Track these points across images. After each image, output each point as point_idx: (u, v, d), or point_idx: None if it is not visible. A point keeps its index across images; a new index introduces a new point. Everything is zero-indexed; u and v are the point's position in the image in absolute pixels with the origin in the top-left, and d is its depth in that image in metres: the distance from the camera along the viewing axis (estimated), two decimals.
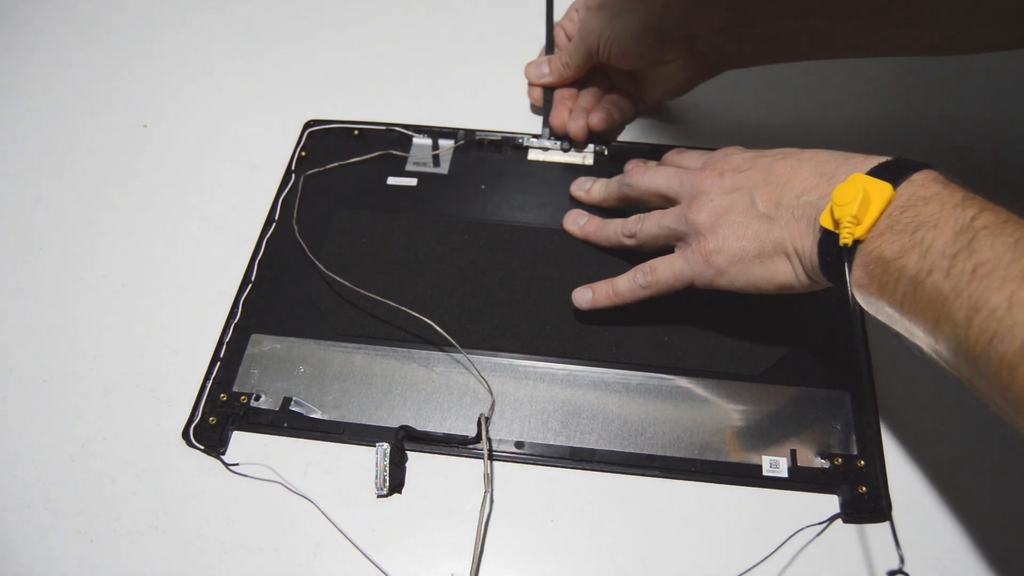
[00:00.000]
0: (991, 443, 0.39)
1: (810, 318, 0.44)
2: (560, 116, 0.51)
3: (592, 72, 0.51)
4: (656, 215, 0.42)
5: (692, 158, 0.45)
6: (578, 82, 0.52)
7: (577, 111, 0.51)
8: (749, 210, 0.37)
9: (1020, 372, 0.26)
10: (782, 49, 0.47)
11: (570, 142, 0.52)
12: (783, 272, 0.36)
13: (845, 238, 0.32)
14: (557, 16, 0.52)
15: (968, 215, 0.30)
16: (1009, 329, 0.27)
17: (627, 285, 0.42)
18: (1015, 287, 0.27)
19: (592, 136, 0.51)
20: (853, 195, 0.32)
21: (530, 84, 0.53)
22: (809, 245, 0.34)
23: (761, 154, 0.40)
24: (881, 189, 0.32)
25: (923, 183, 0.32)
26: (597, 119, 0.50)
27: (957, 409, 0.40)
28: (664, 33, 0.46)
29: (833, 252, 0.33)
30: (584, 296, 0.43)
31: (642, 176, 0.44)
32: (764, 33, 0.46)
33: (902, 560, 0.31)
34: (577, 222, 0.47)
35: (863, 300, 0.33)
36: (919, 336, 0.31)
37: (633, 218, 0.44)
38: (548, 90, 0.52)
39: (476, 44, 0.59)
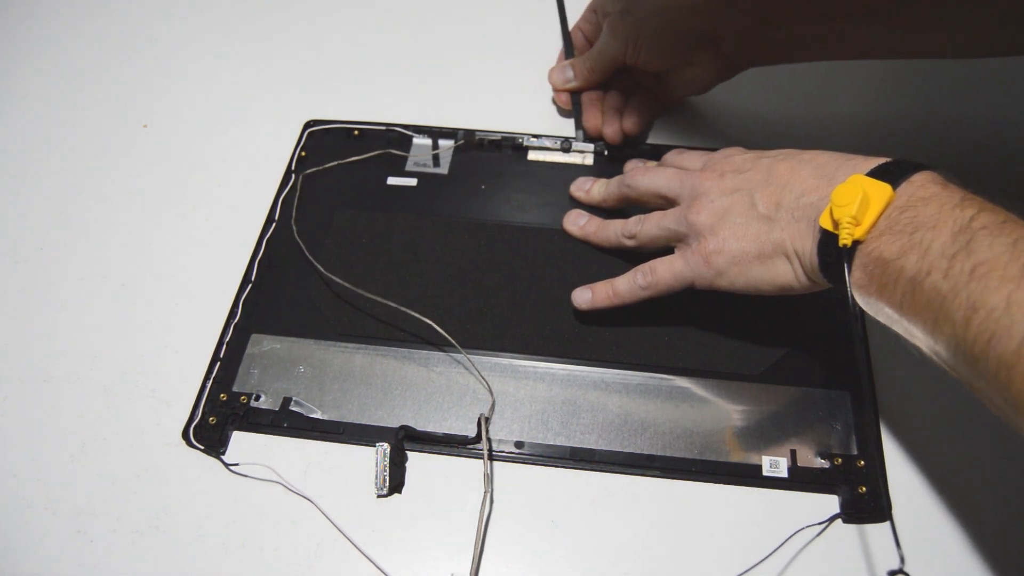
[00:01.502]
0: (991, 443, 0.39)
1: (810, 318, 0.44)
2: (593, 119, 0.51)
3: (616, 71, 0.51)
4: (656, 216, 0.42)
5: (692, 159, 0.45)
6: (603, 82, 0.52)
7: (609, 114, 0.51)
8: (749, 211, 0.38)
9: (1018, 372, 0.26)
10: (803, 50, 0.47)
11: (605, 145, 0.52)
12: (783, 273, 0.37)
13: (844, 239, 0.32)
14: (571, 17, 0.52)
15: (967, 215, 0.30)
16: (1007, 330, 0.27)
17: (627, 286, 0.42)
18: (1013, 287, 0.27)
19: (626, 139, 0.51)
20: (852, 196, 0.32)
21: (555, 89, 0.53)
22: (809, 246, 0.35)
23: (761, 155, 0.40)
24: (880, 190, 0.32)
25: (922, 184, 0.32)
26: (631, 123, 0.50)
27: (957, 409, 0.40)
28: (690, 37, 0.46)
29: (832, 253, 0.33)
30: (583, 297, 0.43)
31: (642, 177, 0.44)
32: (787, 35, 0.46)
33: (903, 560, 0.31)
34: (577, 222, 0.47)
35: (863, 301, 0.33)
36: (918, 337, 0.31)
37: (633, 219, 0.44)
38: (576, 93, 0.52)
39: (476, 44, 0.59)
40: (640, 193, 0.44)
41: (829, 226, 0.33)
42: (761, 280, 0.37)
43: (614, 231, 0.45)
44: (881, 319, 0.33)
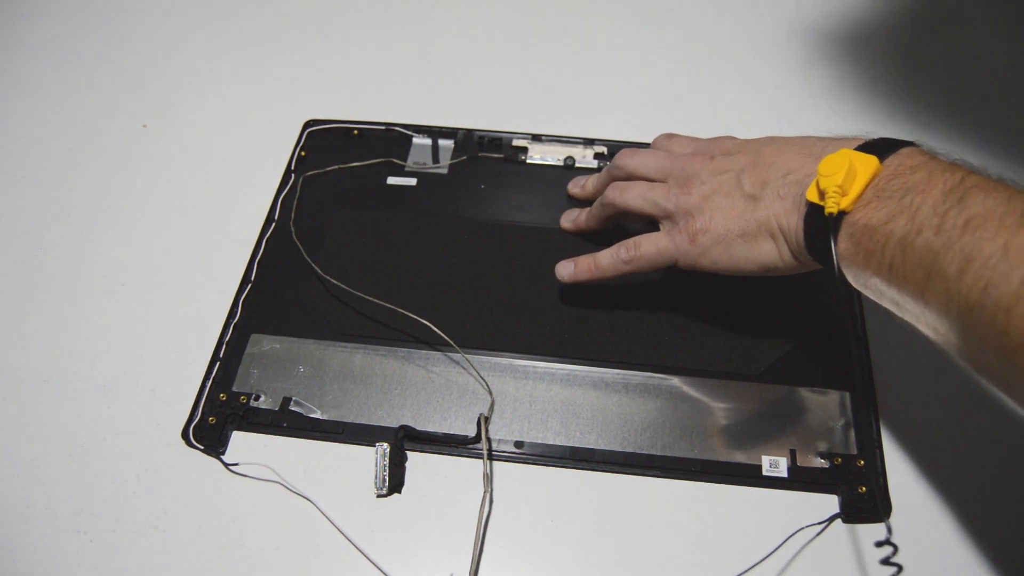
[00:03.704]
0: (991, 443, 0.39)
1: (810, 317, 0.44)
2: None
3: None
4: (642, 187, 0.42)
5: (682, 144, 0.44)
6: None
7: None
8: (735, 191, 0.38)
9: (1016, 314, 0.26)
10: None
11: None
12: (766, 252, 0.37)
13: (831, 207, 0.32)
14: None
15: (957, 176, 0.30)
16: (1004, 275, 0.26)
17: (609, 259, 0.42)
18: (1009, 235, 0.27)
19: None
20: (839, 166, 0.32)
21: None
22: (794, 222, 0.35)
23: (749, 140, 0.40)
24: (867, 161, 0.32)
25: (910, 154, 0.32)
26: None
27: (957, 409, 0.40)
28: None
29: (819, 224, 0.33)
30: (566, 269, 0.43)
31: (630, 158, 0.44)
32: None
33: (893, 544, 0.31)
34: (570, 217, 0.48)
35: (850, 274, 0.33)
36: (907, 305, 0.31)
37: (612, 187, 0.43)
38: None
39: (476, 44, 0.59)
40: (628, 174, 0.44)
41: (815, 198, 0.33)
42: (744, 258, 0.37)
43: (597, 206, 0.45)
44: (869, 294, 0.33)
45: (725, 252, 0.38)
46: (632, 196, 0.42)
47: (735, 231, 0.37)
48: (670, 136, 0.46)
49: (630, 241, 0.41)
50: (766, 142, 0.39)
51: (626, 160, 0.44)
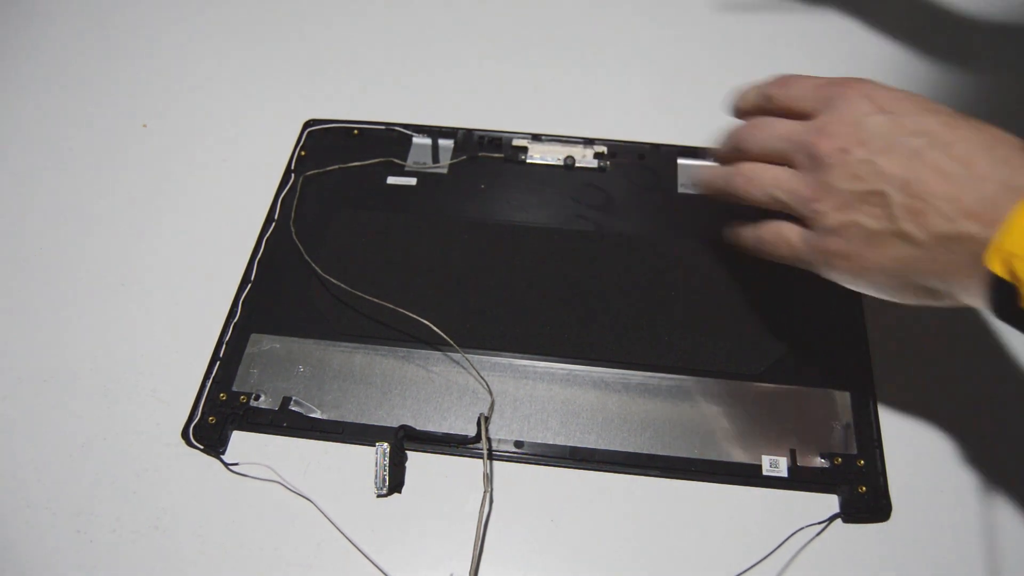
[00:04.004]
0: (991, 443, 0.39)
1: (811, 317, 0.44)
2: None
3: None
4: (768, 180, 0.36)
5: (801, 91, 0.36)
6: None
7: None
8: (885, 220, 0.30)
9: None
10: None
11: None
12: (919, 298, 0.32)
13: None
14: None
15: None
16: None
17: (747, 230, 0.39)
18: None
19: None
20: None
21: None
22: (969, 283, 0.29)
23: (900, 123, 0.31)
24: None
25: None
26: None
27: (957, 409, 0.40)
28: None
29: (1010, 305, 0.27)
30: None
31: (751, 134, 0.37)
32: None
33: None
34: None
35: None
36: None
37: (738, 174, 0.38)
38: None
39: (476, 44, 0.59)
40: (752, 156, 0.37)
41: (1002, 272, 0.27)
42: (890, 299, 0.33)
43: (723, 187, 0.39)
44: None
45: (868, 287, 0.33)
46: (758, 192, 0.36)
47: (885, 272, 0.32)
48: (785, 81, 0.37)
49: (772, 225, 0.37)
50: (924, 142, 0.30)
51: (748, 139, 0.37)
